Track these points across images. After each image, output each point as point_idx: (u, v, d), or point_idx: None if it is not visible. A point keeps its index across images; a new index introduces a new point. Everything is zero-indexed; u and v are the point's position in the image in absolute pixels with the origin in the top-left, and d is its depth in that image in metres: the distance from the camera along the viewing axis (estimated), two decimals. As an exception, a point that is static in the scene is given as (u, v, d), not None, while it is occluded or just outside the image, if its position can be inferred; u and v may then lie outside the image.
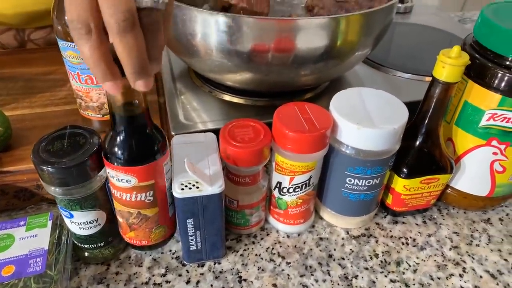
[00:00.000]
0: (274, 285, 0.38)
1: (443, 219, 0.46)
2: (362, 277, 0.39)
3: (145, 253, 0.41)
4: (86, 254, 0.39)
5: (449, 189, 0.46)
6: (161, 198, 0.36)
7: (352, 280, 0.39)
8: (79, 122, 0.49)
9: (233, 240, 0.43)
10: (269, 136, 0.37)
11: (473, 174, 0.43)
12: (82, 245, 0.38)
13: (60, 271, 0.36)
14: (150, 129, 0.33)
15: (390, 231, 0.44)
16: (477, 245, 0.43)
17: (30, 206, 0.44)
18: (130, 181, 0.33)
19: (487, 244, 0.43)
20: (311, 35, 0.42)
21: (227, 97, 0.53)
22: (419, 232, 0.44)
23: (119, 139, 0.32)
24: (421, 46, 0.70)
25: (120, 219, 0.37)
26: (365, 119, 0.36)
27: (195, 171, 0.34)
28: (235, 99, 0.53)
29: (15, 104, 0.53)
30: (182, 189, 0.34)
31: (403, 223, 0.45)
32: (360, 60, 0.52)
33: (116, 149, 0.32)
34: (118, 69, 0.27)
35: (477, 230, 0.45)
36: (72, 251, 0.39)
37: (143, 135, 0.33)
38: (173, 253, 0.41)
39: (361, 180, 0.39)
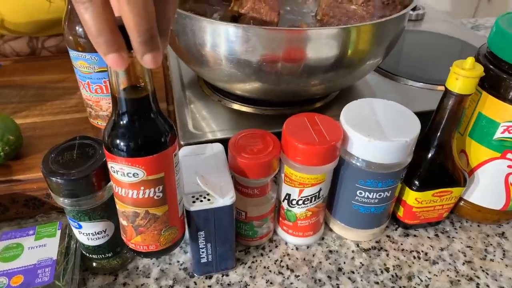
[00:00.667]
0: (283, 298, 0.38)
1: (456, 233, 0.45)
2: (373, 292, 0.39)
3: (153, 263, 0.41)
4: (94, 264, 0.39)
5: (462, 202, 0.45)
6: (171, 194, 0.32)
7: (362, 294, 0.38)
8: (89, 131, 0.50)
9: (241, 252, 0.42)
10: (278, 147, 0.37)
11: (487, 187, 0.42)
12: (90, 255, 0.38)
13: (68, 282, 0.36)
14: (158, 115, 0.29)
15: (401, 244, 0.44)
16: (492, 260, 0.42)
17: (39, 215, 0.45)
18: (137, 174, 0.29)
19: (502, 259, 0.42)
20: (321, 45, 0.42)
21: (236, 106, 0.52)
22: (431, 246, 0.43)
23: (124, 126, 0.28)
24: (433, 54, 0.69)
25: (124, 223, 0.32)
26: (376, 131, 0.36)
27: (206, 184, 0.34)
28: (244, 108, 0.52)
29: (26, 112, 0.53)
30: (194, 201, 0.34)
31: (415, 236, 0.45)
32: (371, 70, 0.52)
33: (120, 138, 0.28)
34: (123, 39, 0.23)
35: (491, 245, 0.44)
36: (80, 260, 0.39)
37: (151, 121, 0.29)
38: (181, 264, 0.41)
39: (372, 193, 0.38)
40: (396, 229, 0.45)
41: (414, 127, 0.37)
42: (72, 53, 0.42)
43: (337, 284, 0.39)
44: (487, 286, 0.40)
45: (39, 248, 0.39)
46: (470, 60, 0.35)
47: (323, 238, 0.44)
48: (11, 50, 0.67)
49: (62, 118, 0.53)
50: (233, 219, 0.36)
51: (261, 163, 0.36)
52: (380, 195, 0.39)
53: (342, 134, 0.36)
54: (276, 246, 0.43)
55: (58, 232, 0.40)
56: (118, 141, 0.28)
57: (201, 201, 0.34)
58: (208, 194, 0.34)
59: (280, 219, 0.42)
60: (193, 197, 0.34)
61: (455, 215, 0.47)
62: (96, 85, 0.44)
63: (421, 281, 0.40)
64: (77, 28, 0.40)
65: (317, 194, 0.38)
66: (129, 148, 0.28)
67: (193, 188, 0.34)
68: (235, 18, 0.49)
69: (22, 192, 0.43)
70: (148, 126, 0.29)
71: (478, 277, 0.40)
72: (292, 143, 0.35)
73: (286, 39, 0.41)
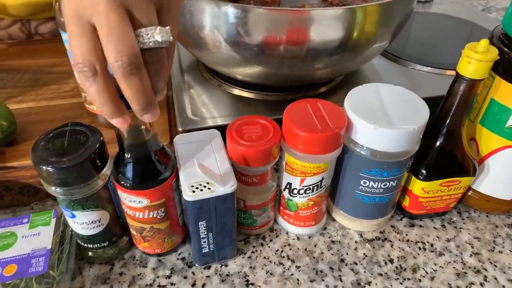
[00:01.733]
0: (283, 290, 0.37)
1: (464, 223, 0.43)
2: (376, 284, 0.37)
3: (150, 253, 0.40)
4: (90, 253, 0.38)
5: (471, 191, 0.43)
6: (171, 212, 0.36)
7: (365, 286, 0.37)
8: (85, 116, 0.48)
9: (241, 242, 0.41)
10: (279, 134, 0.35)
11: (497, 177, 0.41)
12: (86, 245, 0.37)
13: (63, 271, 0.35)
14: (159, 153, 0.34)
15: (406, 234, 0.42)
16: (500, 252, 0.41)
17: (35, 202, 0.44)
18: (142, 202, 0.34)
19: (511, 251, 0.41)
20: (325, 27, 0.40)
21: (237, 91, 0.51)
22: (437, 237, 0.42)
23: (129, 165, 0.32)
24: (443, 37, 0.66)
25: (133, 232, 0.37)
26: (382, 118, 0.34)
27: (206, 172, 0.32)
28: (245, 94, 0.50)
29: (21, 97, 0.52)
30: (193, 191, 0.32)
31: (421, 226, 0.43)
32: (378, 53, 0.50)
33: (127, 175, 0.32)
34: (125, 105, 0.27)
35: (500, 236, 0.42)
36: (76, 249, 0.38)
37: (153, 161, 0.33)
38: (179, 254, 0.40)
39: (376, 183, 0.37)
40: (401, 219, 0.44)
41: (422, 114, 0.35)
42: (65, 36, 0.40)
43: (339, 275, 0.38)
44: (495, 278, 0.38)
45: (33, 236, 0.38)
46: (484, 42, 0.33)
47: (325, 228, 0.43)
48: (6, 35, 0.65)
49: (57, 103, 0.51)
50: (235, 207, 0.35)
51: (260, 150, 0.34)
52: (385, 184, 0.37)
53: (346, 121, 0.35)
54: (277, 236, 0.42)
55: (53, 221, 0.39)
56: (124, 177, 0.33)
57: (201, 190, 0.32)
58: (208, 183, 0.33)
59: (281, 208, 0.41)
60: (192, 186, 0.33)
61: (462, 205, 0.45)
62: (91, 69, 0.42)
63: (426, 273, 0.39)
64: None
65: (319, 183, 0.37)
66: (134, 184, 0.33)
67: (192, 177, 0.33)
68: (235, -1, 0.47)
69: (16, 179, 0.42)
70: (150, 164, 0.33)
71: (486, 270, 0.39)
72: (293, 130, 0.34)
73: (288, 20, 0.39)
